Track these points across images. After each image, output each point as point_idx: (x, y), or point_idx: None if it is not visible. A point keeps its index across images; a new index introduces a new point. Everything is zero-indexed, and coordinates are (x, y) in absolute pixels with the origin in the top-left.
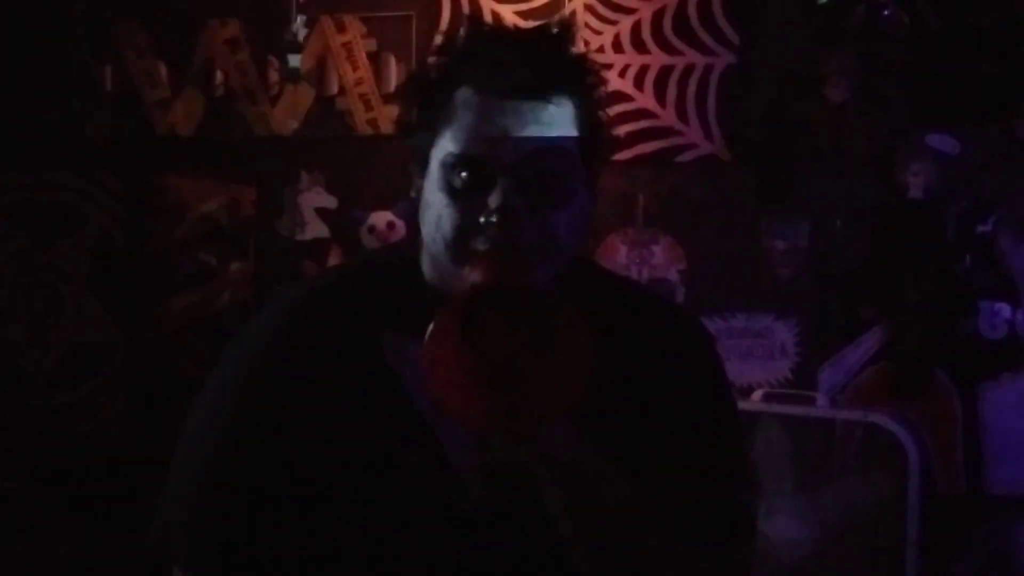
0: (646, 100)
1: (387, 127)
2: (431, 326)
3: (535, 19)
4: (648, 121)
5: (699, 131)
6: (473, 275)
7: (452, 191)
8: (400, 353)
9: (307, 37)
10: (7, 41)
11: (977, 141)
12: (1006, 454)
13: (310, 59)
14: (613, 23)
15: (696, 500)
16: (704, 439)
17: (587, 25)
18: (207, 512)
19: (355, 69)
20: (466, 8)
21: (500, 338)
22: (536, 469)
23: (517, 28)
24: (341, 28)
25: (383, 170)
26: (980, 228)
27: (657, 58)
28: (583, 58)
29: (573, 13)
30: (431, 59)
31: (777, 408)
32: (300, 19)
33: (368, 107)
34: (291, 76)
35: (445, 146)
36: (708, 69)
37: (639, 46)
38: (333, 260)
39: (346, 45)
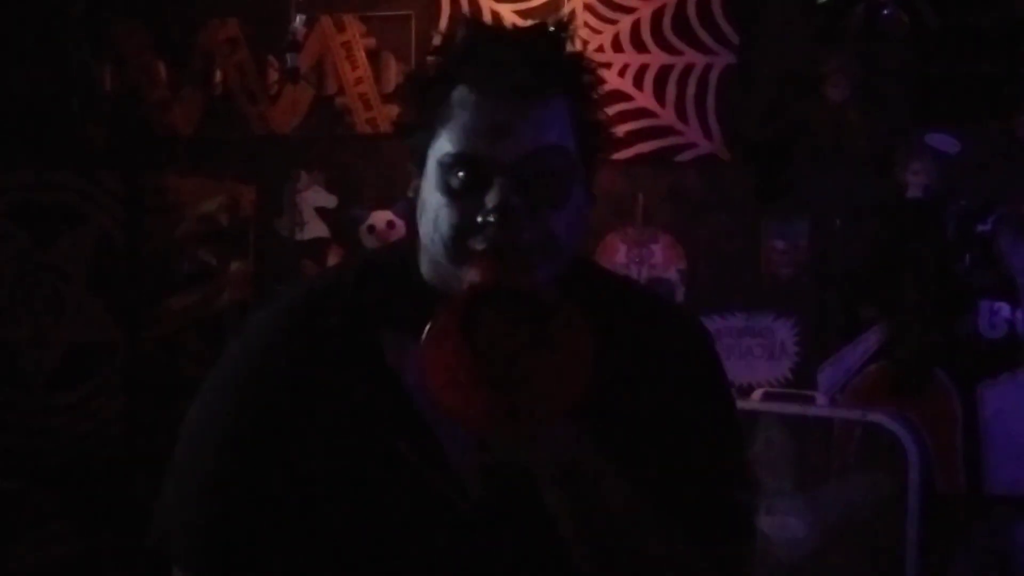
0: (645, 99)
1: (386, 126)
2: (430, 326)
3: (534, 18)
4: (648, 120)
5: (699, 130)
6: (472, 275)
7: (450, 191)
8: (400, 353)
9: (306, 36)
10: (7, 41)
11: (977, 140)
12: (1006, 454)
13: (309, 58)
14: (613, 22)
15: (696, 500)
16: (704, 439)
17: (586, 24)
18: (206, 512)
19: (354, 68)
20: (465, 7)
21: (500, 338)
22: (536, 469)
23: (514, 27)
24: (340, 27)
25: (383, 169)
26: (980, 227)
27: (657, 57)
28: (580, 57)
29: (572, 12)
30: (429, 59)
31: (777, 408)
32: (299, 18)
33: (367, 106)
34: (290, 75)
35: (442, 146)
36: (708, 68)
37: (639, 45)
38: (333, 259)
39: (345, 44)
